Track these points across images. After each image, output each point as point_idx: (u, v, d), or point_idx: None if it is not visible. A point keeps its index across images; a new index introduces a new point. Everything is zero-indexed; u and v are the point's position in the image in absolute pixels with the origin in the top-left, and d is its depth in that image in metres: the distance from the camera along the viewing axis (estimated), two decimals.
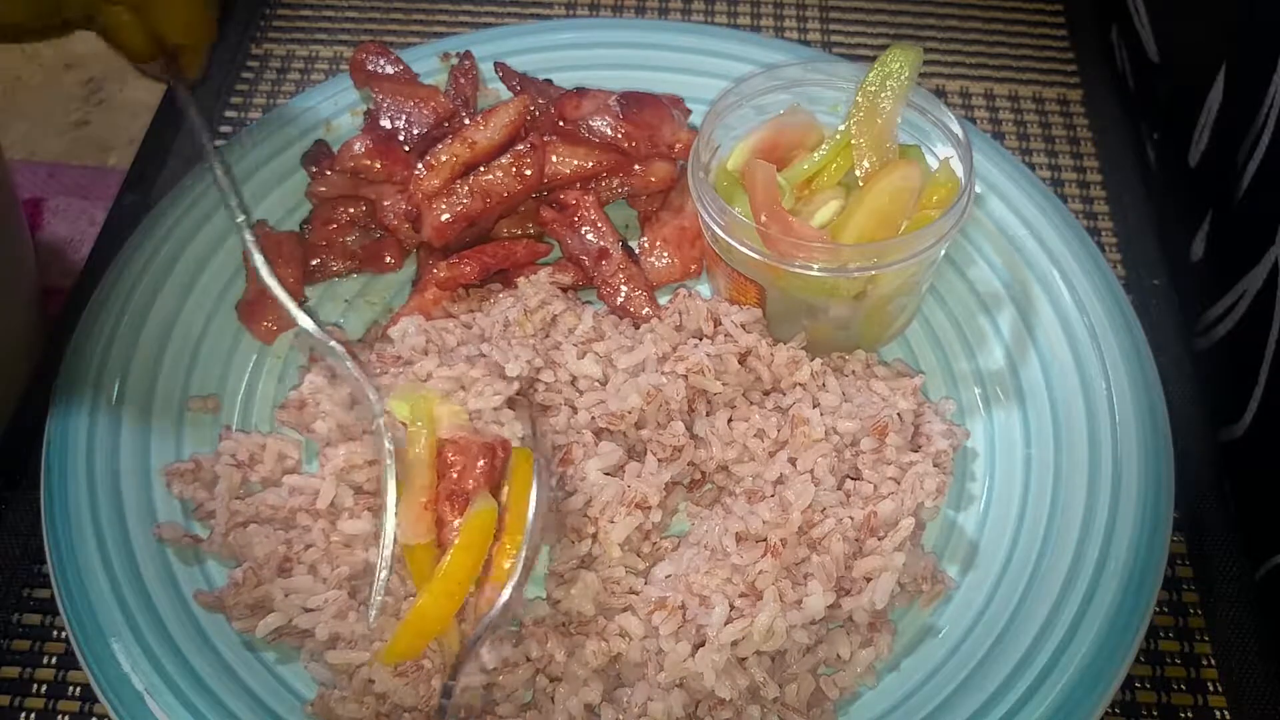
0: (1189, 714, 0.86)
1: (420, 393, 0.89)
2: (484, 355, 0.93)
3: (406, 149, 1.07)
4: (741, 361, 0.93)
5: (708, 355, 0.91)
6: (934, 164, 0.95)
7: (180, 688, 0.80)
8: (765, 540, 0.83)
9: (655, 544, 0.88)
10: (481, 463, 0.85)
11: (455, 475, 0.85)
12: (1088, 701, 0.80)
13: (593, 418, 0.91)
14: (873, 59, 0.95)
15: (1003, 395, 0.99)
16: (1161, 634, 0.90)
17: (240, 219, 0.99)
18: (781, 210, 0.90)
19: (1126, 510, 0.89)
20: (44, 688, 0.86)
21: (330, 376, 0.95)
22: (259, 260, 0.97)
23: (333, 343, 0.94)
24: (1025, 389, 0.98)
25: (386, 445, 0.88)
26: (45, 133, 1.41)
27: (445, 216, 1.01)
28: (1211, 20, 1.15)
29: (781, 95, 1.00)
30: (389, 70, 1.15)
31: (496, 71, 1.15)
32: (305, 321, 0.95)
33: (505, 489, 0.85)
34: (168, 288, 1.01)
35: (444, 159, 1.03)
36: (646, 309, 1.01)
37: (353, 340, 1.00)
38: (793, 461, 0.89)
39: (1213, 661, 0.89)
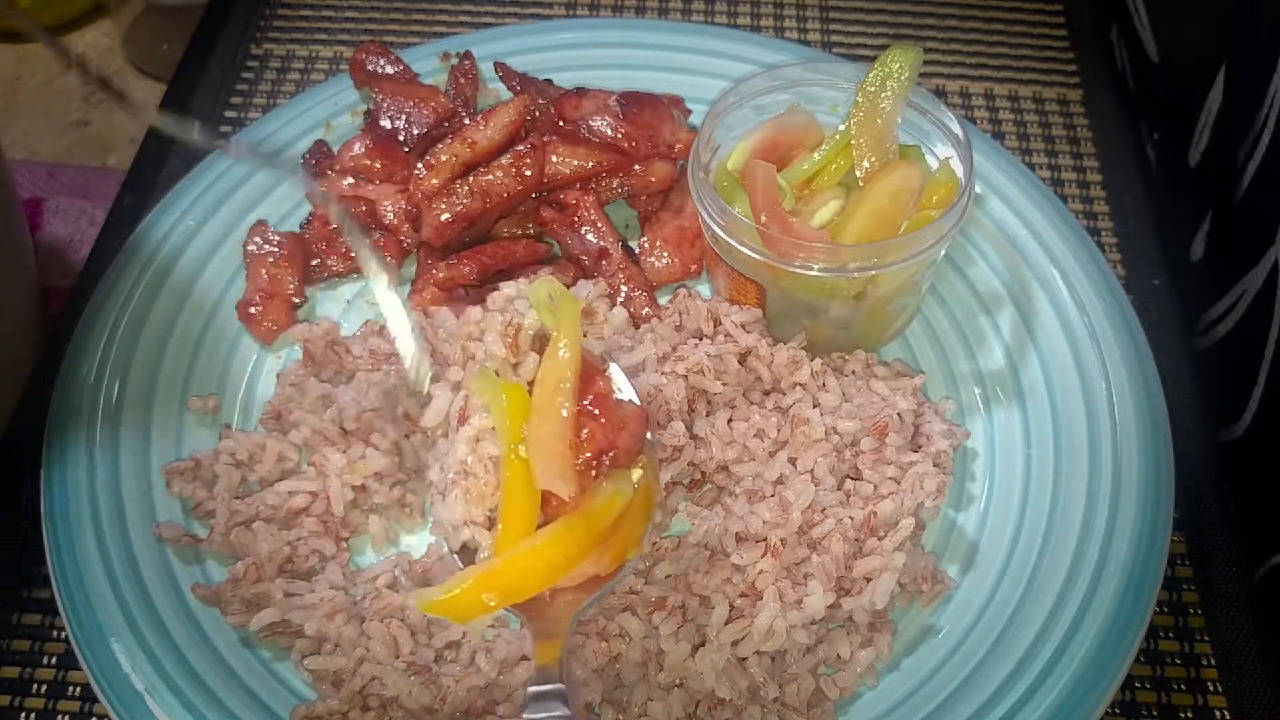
0: (1189, 714, 0.86)
1: (560, 293, 0.77)
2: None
3: (406, 149, 1.08)
4: (741, 361, 0.93)
5: (708, 355, 0.91)
6: (934, 164, 0.95)
7: (180, 687, 0.80)
8: (765, 540, 0.83)
9: (655, 544, 0.88)
10: (626, 433, 0.74)
11: (599, 434, 0.74)
12: (1088, 701, 0.80)
13: None
14: (873, 59, 0.95)
15: (1003, 395, 0.99)
16: (1161, 634, 0.90)
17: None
18: (781, 210, 0.90)
19: (1126, 510, 0.89)
20: (44, 688, 0.86)
21: (300, 384, 0.94)
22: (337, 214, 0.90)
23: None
24: (1025, 389, 0.98)
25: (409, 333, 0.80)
26: (45, 133, 1.40)
27: (445, 216, 1.01)
28: (1211, 20, 1.15)
29: (781, 95, 1.00)
30: (389, 70, 1.15)
31: (496, 71, 1.15)
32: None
33: (637, 474, 0.77)
34: (168, 288, 1.01)
35: (444, 159, 1.03)
36: (646, 309, 1.01)
37: (349, 338, 1.00)
38: (793, 461, 0.89)
39: (1213, 661, 0.89)
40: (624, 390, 0.84)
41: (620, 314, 0.96)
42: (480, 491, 0.77)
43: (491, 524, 0.78)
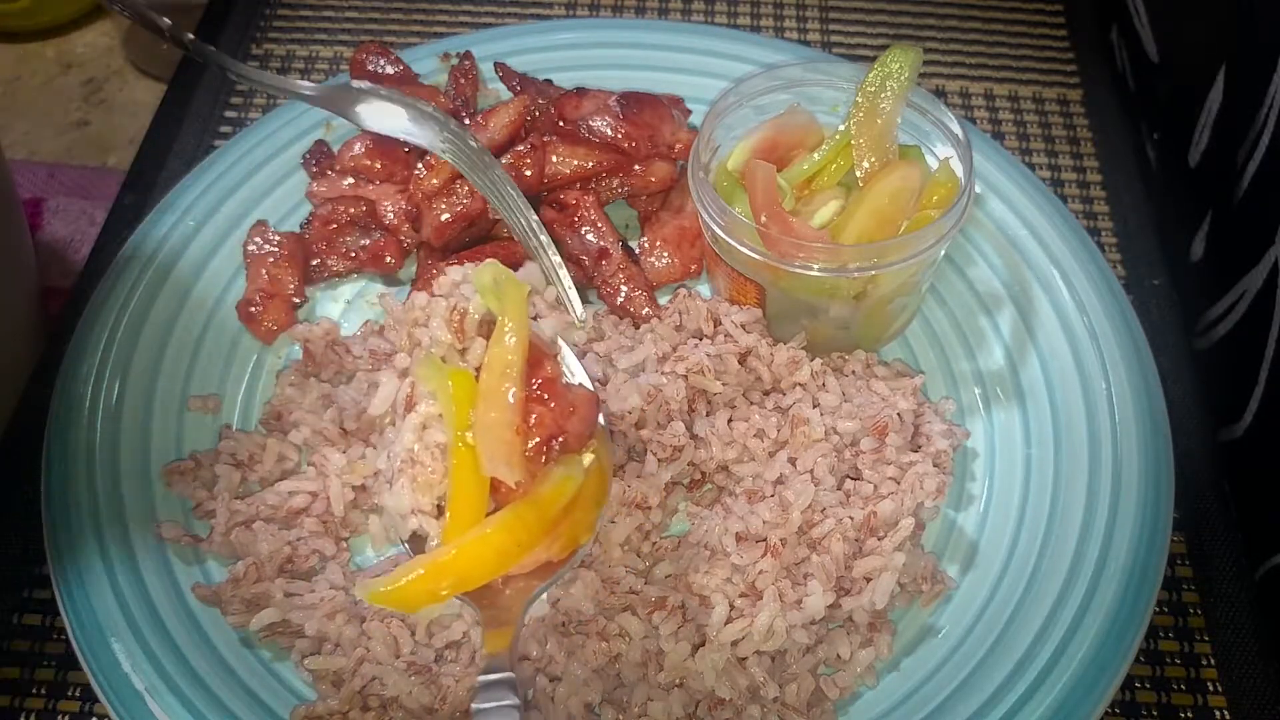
0: (1189, 714, 0.86)
1: (505, 277, 0.75)
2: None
3: (406, 149, 1.07)
4: (741, 361, 0.93)
5: (708, 355, 0.91)
6: (934, 164, 0.95)
7: (180, 687, 0.80)
8: (765, 540, 0.83)
9: (655, 544, 0.88)
10: (576, 417, 0.73)
11: (548, 418, 0.72)
12: (1088, 701, 0.80)
13: None
14: (873, 59, 0.95)
15: (1003, 395, 0.99)
16: (1161, 634, 0.90)
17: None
18: (781, 210, 0.90)
19: (1126, 510, 0.89)
20: (44, 688, 0.86)
21: (300, 384, 0.94)
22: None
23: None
24: (1025, 389, 0.98)
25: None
26: (45, 133, 1.40)
27: (445, 216, 1.01)
28: (1211, 20, 1.15)
29: (781, 95, 1.00)
30: (389, 70, 1.15)
31: (496, 71, 1.15)
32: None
33: (588, 458, 0.75)
34: (168, 288, 1.01)
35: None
36: (646, 309, 1.01)
37: (349, 338, 1.00)
38: (793, 461, 0.89)
39: (1213, 661, 0.89)
40: (576, 374, 0.83)
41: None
42: (428, 479, 0.76)
43: (440, 512, 0.76)
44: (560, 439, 0.74)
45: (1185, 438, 0.97)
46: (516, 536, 0.71)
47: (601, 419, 0.81)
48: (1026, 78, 1.28)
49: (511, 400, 0.72)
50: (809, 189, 0.96)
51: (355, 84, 0.92)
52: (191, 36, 0.98)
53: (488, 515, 0.73)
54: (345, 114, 0.97)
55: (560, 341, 0.84)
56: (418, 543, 0.78)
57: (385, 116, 0.91)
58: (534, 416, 0.74)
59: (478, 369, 0.77)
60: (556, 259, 0.85)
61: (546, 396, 0.74)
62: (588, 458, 0.77)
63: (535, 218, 0.88)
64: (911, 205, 0.92)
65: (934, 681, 0.84)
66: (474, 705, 0.70)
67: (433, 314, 0.80)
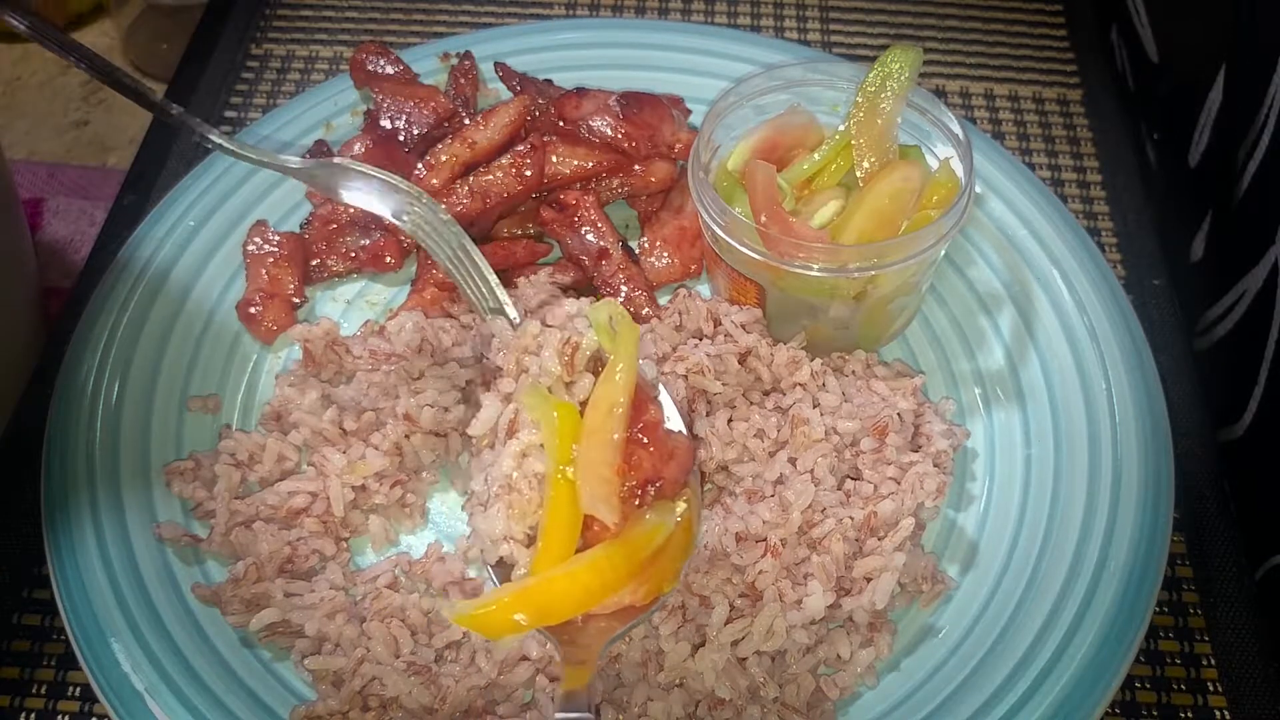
0: (1189, 714, 0.86)
1: (621, 316, 0.76)
2: (485, 357, 0.93)
3: (406, 149, 1.07)
4: (741, 361, 0.93)
5: (708, 355, 0.91)
6: (934, 164, 0.95)
7: (180, 687, 0.80)
8: (765, 540, 0.83)
9: None
10: (674, 464, 0.73)
11: (647, 462, 0.73)
12: (1088, 701, 0.80)
13: None
14: (873, 59, 0.95)
15: (1003, 395, 0.99)
16: (1161, 634, 0.90)
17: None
18: (781, 210, 0.90)
19: (1126, 510, 0.89)
20: (44, 688, 0.86)
21: (300, 384, 0.94)
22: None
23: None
24: (1025, 389, 0.98)
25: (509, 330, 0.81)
26: (45, 133, 1.40)
27: None
28: (1211, 20, 1.15)
29: (781, 95, 1.00)
30: (389, 70, 1.15)
31: (496, 71, 1.15)
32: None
33: (680, 507, 0.76)
34: (168, 288, 1.01)
35: (444, 159, 1.03)
36: (646, 309, 1.01)
37: (349, 338, 1.00)
38: (793, 461, 0.89)
39: (1213, 661, 0.89)
40: (673, 420, 0.84)
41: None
42: (523, 508, 0.76)
43: (530, 541, 0.77)
44: (657, 484, 0.75)
45: (1185, 438, 0.97)
46: (604, 577, 0.71)
47: (695, 468, 0.80)
48: (1026, 78, 1.28)
49: (616, 440, 0.73)
50: (809, 189, 0.96)
51: (338, 160, 0.94)
52: (179, 108, 0.97)
53: (577, 552, 0.73)
54: (322, 189, 0.97)
55: (660, 386, 0.85)
56: (504, 570, 0.78)
57: (360, 192, 0.94)
58: (634, 458, 0.74)
59: (582, 403, 0.78)
60: (515, 318, 0.90)
61: (647, 440, 0.75)
62: (680, 506, 0.77)
63: (499, 284, 0.91)
64: (911, 205, 0.92)
65: (934, 681, 0.84)
66: None
67: (545, 344, 0.81)
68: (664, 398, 0.85)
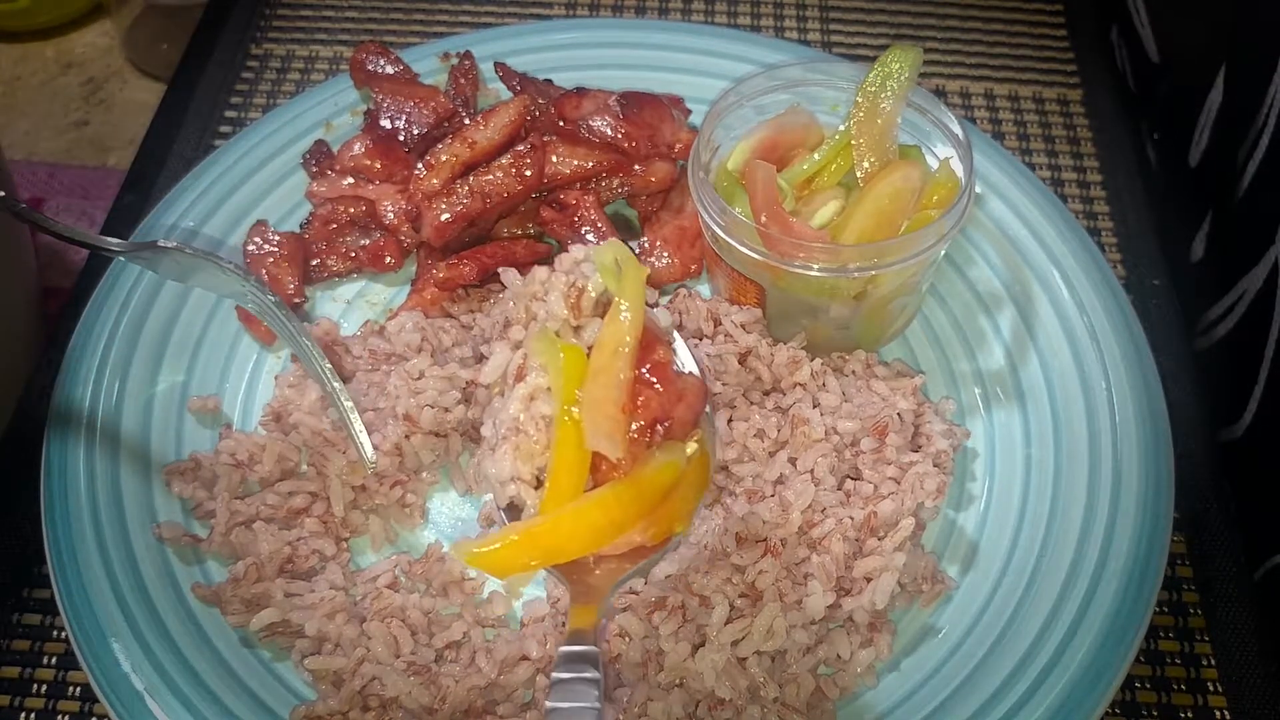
0: (1189, 714, 0.86)
1: (626, 258, 0.75)
2: (485, 357, 0.93)
3: (406, 149, 1.08)
4: (741, 361, 0.93)
5: (708, 355, 0.91)
6: (934, 164, 0.95)
7: (180, 687, 0.80)
8: (765, 540, 0.83)
9: None
10: (683, 404, 0.73)
11: (655, 402, 0.72)
12: (1088, 701, 0.80)
13: None
14: (873, 59, 0.96)
15: (1003, 395, 0.99)
16: (1161, 634, 0.90)
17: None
18: (781, 210, 0.90)
19: (1126, 510, 0.89)
20: (44, 688, 0.86)
21: (299, 385, 0.94)
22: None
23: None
24: (1025, 389, 0.98)
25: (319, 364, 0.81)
26: (45, 133, 1.40)
27: (445, 216, 1.01)
28: (1211, 20, 1.15)
29: (781, 95, 1.00)
30: (389, 70, 1.15)
31: (496, 71, 1.15)
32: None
33: (692, 447, 0.75)
34: (168, 288, 1.01)
35: (444, 159, 1.03)
36: None
37: (349, 338, 1.00)
38: (793, 461, 0.89)
39: (1213, 661, 0.89)
40: (686, 363, 0.83)
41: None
42: (530, 449, 0.76)
43: (539, 483, 0.77)
44: (666, 424, 0.74)
45: (1185, 438, 0.97)
46: (612, 515, 0.71)
47: (708, 410, 0.80)
48: (1026, 78, 1.28)
49: (621, 378, 0.72)
50: (809, 189, 0.96)
51: (162, 243, 0.92)
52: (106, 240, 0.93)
53: (586, 491, 0.73)
54: (154, 269, 0.94)
55: (675, 332, 0.84)
56: (514, 511, 0.78)
57: (191, 273, 0.93)
58: (642, 398, 0.74)
59: (590, 347, 0.77)
60: (349, 404, 0.88)
61: (656, 380, 0.74)
62: (691, 446, 0.77)
63: (329, 366, 0.90)
64: (911, 205, 0.92)
65: (934, 681, 0.84)
66: (554, 674, 0.70)
67: (551, 289, 0.81)
68: (678, 342, 0.84)
